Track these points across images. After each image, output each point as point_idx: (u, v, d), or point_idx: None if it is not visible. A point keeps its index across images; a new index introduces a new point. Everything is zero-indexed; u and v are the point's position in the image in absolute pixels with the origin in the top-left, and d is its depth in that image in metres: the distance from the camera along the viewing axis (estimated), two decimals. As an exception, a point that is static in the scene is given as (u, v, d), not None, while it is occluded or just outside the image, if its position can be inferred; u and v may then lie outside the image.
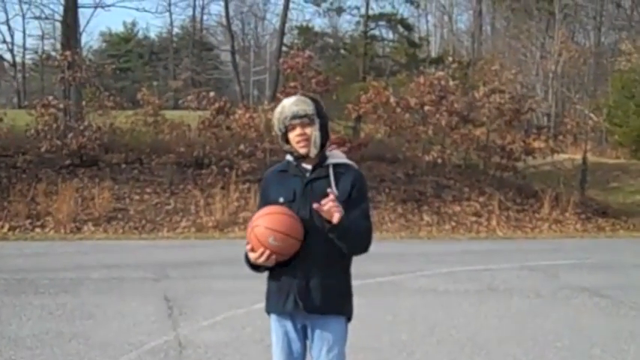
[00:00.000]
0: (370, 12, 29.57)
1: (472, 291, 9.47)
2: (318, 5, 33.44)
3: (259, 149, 16.48)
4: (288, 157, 3.67)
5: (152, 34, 58.82)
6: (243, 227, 14.60)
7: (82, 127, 16.54)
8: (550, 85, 33.03)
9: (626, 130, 28.73)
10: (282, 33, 30.88)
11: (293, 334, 3.63)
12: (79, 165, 16.40)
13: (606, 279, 10.46)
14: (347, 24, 62.18)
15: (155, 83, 38.59)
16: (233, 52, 32.74)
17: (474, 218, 16.49)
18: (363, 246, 3.58)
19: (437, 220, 16.19)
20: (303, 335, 3.64)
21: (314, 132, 3.53)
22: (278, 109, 3.61)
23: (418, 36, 35.73)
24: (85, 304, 8.01)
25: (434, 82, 17.96)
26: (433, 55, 36.94)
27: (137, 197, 15.56)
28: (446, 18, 50.35)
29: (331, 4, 33.24)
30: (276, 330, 3.67)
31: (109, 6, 34.88)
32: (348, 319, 3.68)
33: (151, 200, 15.51)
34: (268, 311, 3.71)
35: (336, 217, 3.33)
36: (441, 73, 18.89)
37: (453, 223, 16.16)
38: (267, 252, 3.38)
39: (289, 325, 3.62)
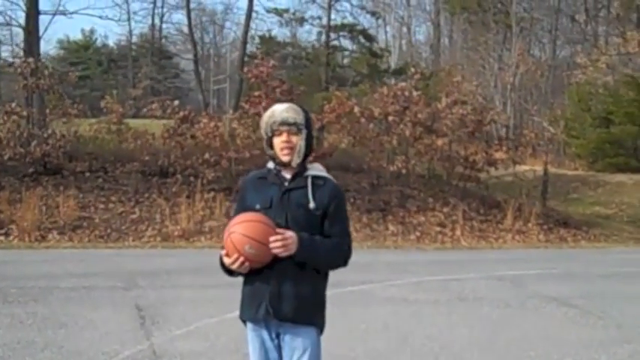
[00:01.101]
0: (332, 22, 29.66)
1: (442, 300, 9.56)
2: (281, 15, 33.51)
3: (224, 158, 16.38)
4: (269, 165, 3.68)
5: (111, 42, 58.18)
6: (209, 236, 14.58)
7: (45, 135, 16.30)
8: (508, 97, 33.50)
9: (583, 142, 29.32)
10: (245, 42, 30.87)
11: (269, 344, 3.62)
12: (42, 173, 16.18)
13: (573, 289, 10.61)
14: (307, 34, 62.51)
15: (115, 91, 38.13)
16: (196, 61, 32.61)
17: (438, 228, 16.58)
18: (338, 263, 3.65)
19: (402, 230, 16.24)
20: (279, 344, 3.63)
21: (300, 142, 3.56)
22: (268, 113, 3.62)
23: (379, 47, 35.90)
24: (55, 314, 7.91)
25: (397, 92, 18.06)
26: (392, 66, 37.15)
27: (102, 206, 15.37)
28: (404, 29, 50.79)
29: (293, 14, 33.35)
30: (253, 340, 3.66)
31: (71, 13, 34.54)
32: (320, 331, 3.67)
33: (116, 209, 15.34)
34: (242, 318, 3.70)
35: (287, 254, 3.40)
36: (404, 84, 19.01)
37: (418, 233, 16.24)
38: (241, 259, 3.39)
39: (265, 334, 3.62)
